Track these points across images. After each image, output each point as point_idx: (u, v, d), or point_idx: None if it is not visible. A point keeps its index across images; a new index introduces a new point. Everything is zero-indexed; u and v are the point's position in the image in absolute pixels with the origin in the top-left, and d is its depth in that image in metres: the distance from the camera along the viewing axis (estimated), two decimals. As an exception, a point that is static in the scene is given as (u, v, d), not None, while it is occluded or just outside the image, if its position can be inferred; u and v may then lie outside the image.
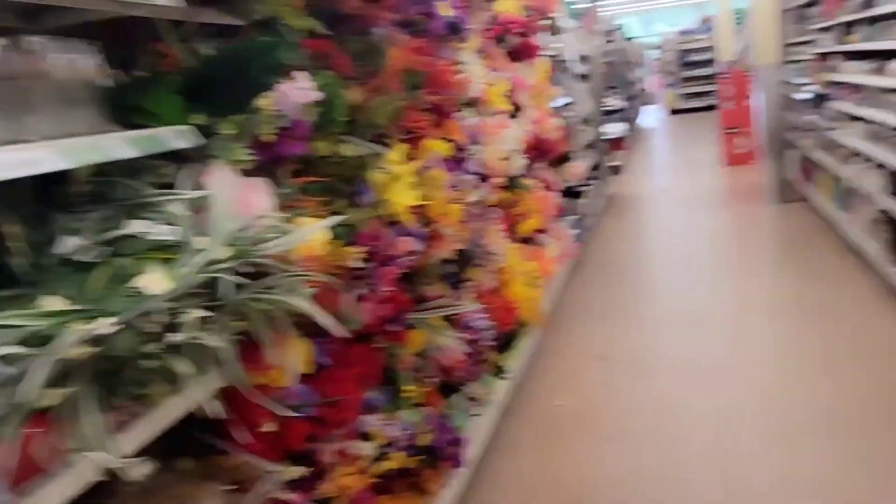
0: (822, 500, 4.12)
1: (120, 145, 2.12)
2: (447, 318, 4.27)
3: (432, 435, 3.72)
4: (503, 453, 4.93)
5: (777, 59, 11.57)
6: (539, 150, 7.03)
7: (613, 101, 16.27)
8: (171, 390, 2.06)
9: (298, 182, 2.90)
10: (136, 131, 2.27)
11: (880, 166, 7.08)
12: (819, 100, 10.02)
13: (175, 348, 1.98)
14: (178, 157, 2.44)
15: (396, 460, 3.36)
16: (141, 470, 1.86)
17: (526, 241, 6.47)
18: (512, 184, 6.05)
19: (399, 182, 3.35)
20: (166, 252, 2.13)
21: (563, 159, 8.59)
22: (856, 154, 8.06)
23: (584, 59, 12.19)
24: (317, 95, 2.76)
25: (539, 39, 7.55)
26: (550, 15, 8.25)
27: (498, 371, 5.21)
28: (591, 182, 11.03)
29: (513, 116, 6.27)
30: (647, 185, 14.82)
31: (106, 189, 2.24)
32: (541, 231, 6.92)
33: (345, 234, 2.91)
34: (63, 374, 1.77)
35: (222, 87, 2.55)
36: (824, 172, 9.74)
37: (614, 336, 6.82)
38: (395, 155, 3.42)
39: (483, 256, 5.16)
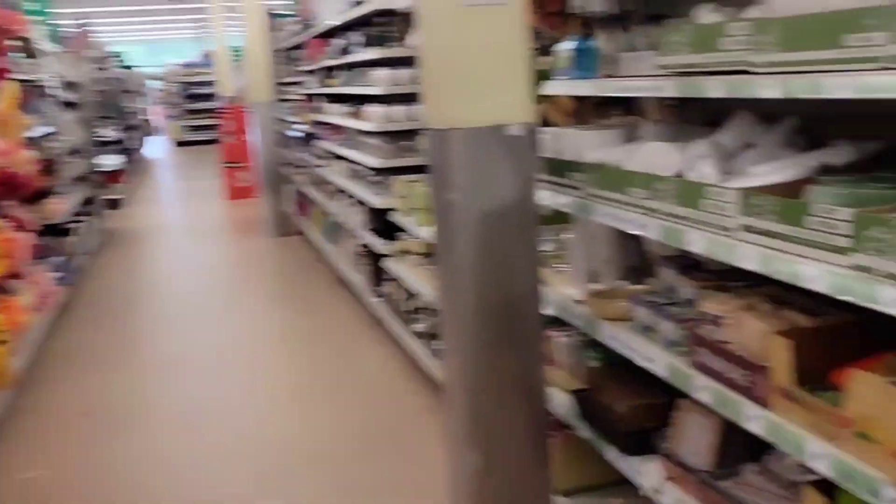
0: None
1: None
2: None
3: None
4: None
5: (270, 97, 11.89)
6: (7, 186, 6.25)
7: (109, 132, 15.44)
8: None
9: None
10: None
11: (360, 203, 7.54)
12: (308, 138, 10.49)
13: None
14: None
15: None
16: None
17: (-9, 289, 5.68)
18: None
19: None
20: None
21: (41, 195, 7.80)
22: (341, 191, 8.52)
23: (71, 85, 11.32)
24: None
25: (6, 62, 6.75)
26: (20, 35, 7.45)
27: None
28: (82, 218, 10.24)
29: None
30: (149, 218, 14.27)
31: None
32: (12, 277, 6.14)
33: None
34: None
35: None
36: (316, 207, 10.19)
37: (105, 387, 6.30)
38: None
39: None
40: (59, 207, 8.45)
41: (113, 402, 6.01)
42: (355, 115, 7.61)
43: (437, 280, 3.73)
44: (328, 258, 9.41)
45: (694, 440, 3.05)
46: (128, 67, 23.70)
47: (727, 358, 2.64)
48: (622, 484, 3.49)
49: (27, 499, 4.71)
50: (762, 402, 2.49)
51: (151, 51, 35.15)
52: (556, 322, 4.17)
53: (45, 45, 9.35)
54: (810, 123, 3.02)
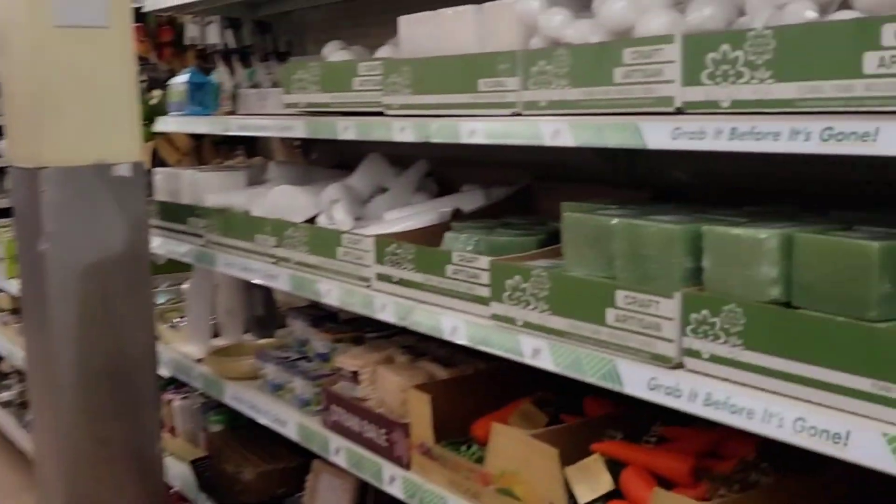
0: None
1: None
2: None
3: None
4: None
5: None
6: None
7: None
8: None
9: None
10: None
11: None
12: None
13: None
14: None
15: None
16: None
17: None
18: None
19: None
20: None
21: None
22: None
23: None
24: None
25: None
26: None
27: None
28: None
29: None
30: None
31: None
32: None
33: None
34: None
35: None
36: None
37: None
38: None
39: None
40: None
41: None
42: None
43: (27, 341, 3.16)
44: None
45: (329, 505, 2.84)
46: None
47: (364, 416, 2.47)
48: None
49: None
50: (401, 462, 2.34)
51: None
52: (174, 383, 3.76)
53: None
54: (441, 167, 3.00)
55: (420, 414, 2.27)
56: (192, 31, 4.36)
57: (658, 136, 1.56)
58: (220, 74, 3.60)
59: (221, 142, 4.74)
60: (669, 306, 1.53)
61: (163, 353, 3.44)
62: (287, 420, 2.83)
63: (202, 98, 3.59)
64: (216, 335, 3.67)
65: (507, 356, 1.91)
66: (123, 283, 2.96)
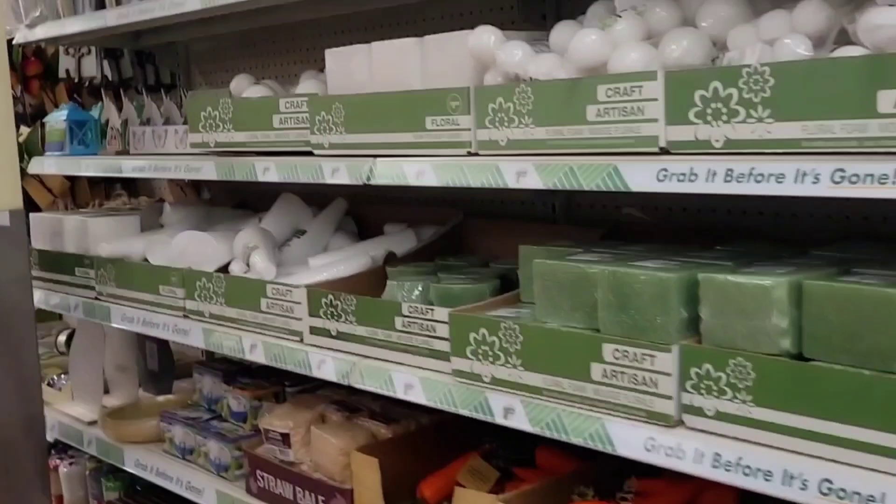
0: None
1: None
2: None
3: None
4: None
5: None
6: None
7: None
8: None
9: None
10: None
11: None
12: None
13: None
14: None
15: None
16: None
17: None
18: None
19: None
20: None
21: None
22: None
23: None
24: None
25: None
26: None
27: None
28: None
29: None
30: None
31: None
32: None
33: None
34: None
35: None
36: None
37: None
38: None
39: None
40: None
41: None
42: None
43: None
44: None
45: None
46: None
47: (299, 483, 2.27)
48: None
49: None
50: (345, 531, 2.16)
51: None
52: (56, 446, 3.41)
53: None
54: (358, 205, 2.84)
55: (366, 479, 2.09)
56: (66, 63, 4.03)
57: (641, 177, 1.47)
58: (104, 110, 3.32)
59: (98, 182, 4.40)
60: (667, 360, 1.43)
61: (46, 416, 3.11)
62: (202, 488, 2.59)
63: (84, 136, 3.30)
64: (105, 392, 3.36)
65: (474, 416, 1.76)
66: (3, 343, 2.65)
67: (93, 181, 4.41)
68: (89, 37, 3.42)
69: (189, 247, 2.65)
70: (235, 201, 3.40)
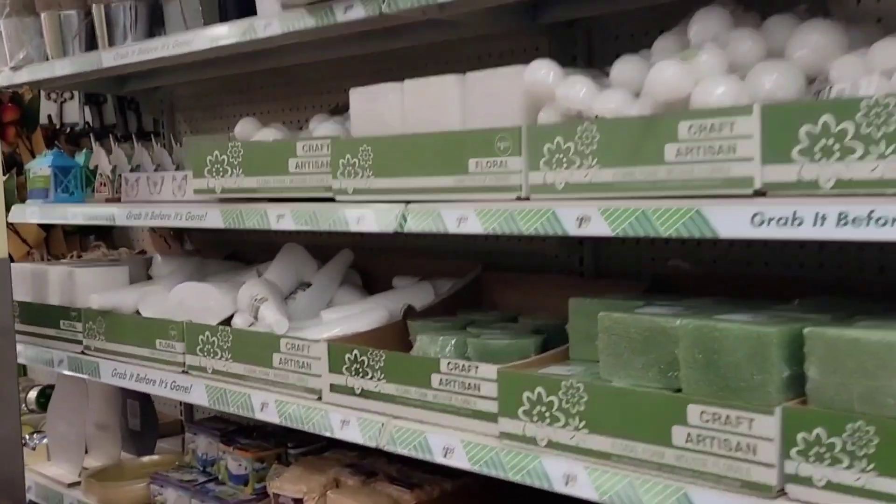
0: None
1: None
2: None
3: None
4: None
5: None
6: None
7: None
8: None
9: None
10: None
11: None
12: None
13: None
14: None
15: None
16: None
17: None
18: None
19: None
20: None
21: None
22: None
23: None
24: None
25: None
26: None
27: None
28: None
29: None
30: None
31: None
32: None
33: None
34: None
35: None
36: None
37: None
38: None
39: None
40: None
41: None
42: None
43: None
44: None
45: None
46: None
47: (315, 556, 2.07)
48: None
49: None
50: None
51: None
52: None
53: None
54: (361, 257, 2.69)
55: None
56: (47, 109, 3.86)
57: (732, 222, 1.34)
58: (93, 156, 3.15)
59: (73, 232, 4.20)
60: (769, 424, 1.29)
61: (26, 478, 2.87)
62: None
63: (70, 183, 3.12)
64: (89, 453, 3.14)
65: (525, 482, 1.60)
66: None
67: (67, 231, 4.21)
68: (77, 80, 3.26)
69: (188, 299, 2.47)
70: (224, 253, 3.22)
